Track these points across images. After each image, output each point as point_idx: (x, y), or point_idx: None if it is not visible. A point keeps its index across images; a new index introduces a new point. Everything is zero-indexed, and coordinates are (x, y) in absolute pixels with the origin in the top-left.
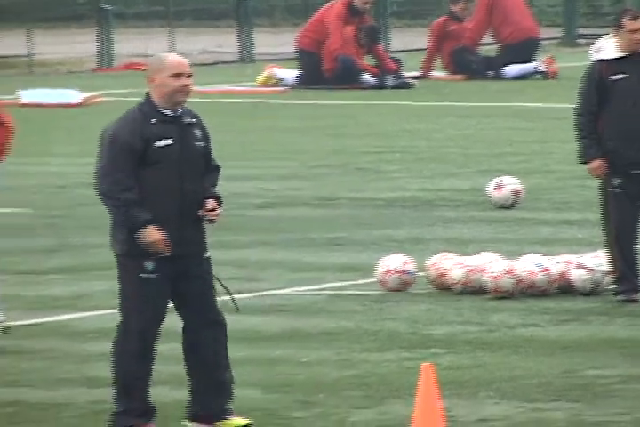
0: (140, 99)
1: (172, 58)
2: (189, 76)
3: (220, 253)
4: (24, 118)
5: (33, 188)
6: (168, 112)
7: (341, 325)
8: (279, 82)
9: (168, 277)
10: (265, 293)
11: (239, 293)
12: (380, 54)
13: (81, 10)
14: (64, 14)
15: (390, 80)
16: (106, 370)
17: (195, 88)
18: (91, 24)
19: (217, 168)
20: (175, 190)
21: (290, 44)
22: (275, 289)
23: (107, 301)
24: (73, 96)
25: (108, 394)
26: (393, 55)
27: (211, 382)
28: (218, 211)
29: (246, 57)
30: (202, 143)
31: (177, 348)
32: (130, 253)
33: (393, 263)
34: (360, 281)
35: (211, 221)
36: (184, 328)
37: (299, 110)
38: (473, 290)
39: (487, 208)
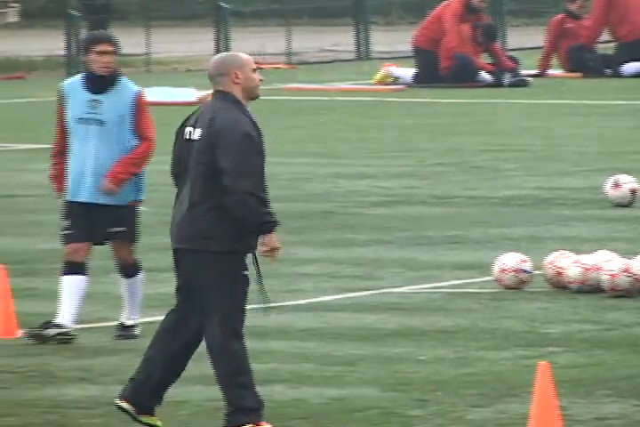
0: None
1: (244, 54)
2: None
3: (338, 251)
4: None
5: (150, 186)
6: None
7: (458, 323)
8: (396, 80)
9: None
10: (382, 291)
11: (357, 291)
12: (497, 52)
13: (199, 8)
14: (182, 13)
15: (507, 78)
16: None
17: (313, 86)
18: (209, 23)
19: None
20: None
21: (406, 42)
22: (392, 287)
23: None
24: (190, 94)
25: None
26: (510, 53)
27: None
28: None
29: (363, 55)
30: None
31: (295, 346)
32: (237, 251)
33: (509, 262)
34: (476, 279)
35: None
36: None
37: (415, 108)
38: (590, 288)
39: (604, 207)
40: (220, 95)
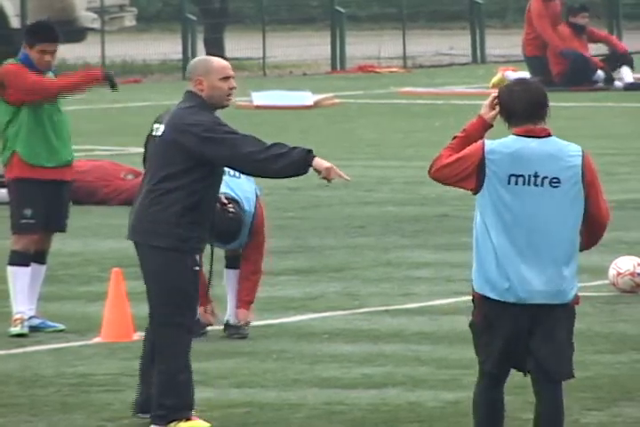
0: (374, 101)
1: (217, 61)
2: None
3: (452, 254)
4: (257, 120)
5: (266, 189)
6: None
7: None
8: None
9: None
10: None
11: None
12: (600, 36)
13: (315, 13)
14: (298, 17)
15: (620, 80)
16: (339, 371)
17: (428, 90)
18: (324, 27)
19: None
20: None
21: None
22: None
23: (340, 302)
24: (306, 98)
25: (340, 395)
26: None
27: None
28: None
29: (478, 59)
30: None
31: (410, 349)
32: (180, 249)
33: (625, 265)
34: (592, 283)
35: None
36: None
37: None
38: None
39: None
40: (188, 95)
